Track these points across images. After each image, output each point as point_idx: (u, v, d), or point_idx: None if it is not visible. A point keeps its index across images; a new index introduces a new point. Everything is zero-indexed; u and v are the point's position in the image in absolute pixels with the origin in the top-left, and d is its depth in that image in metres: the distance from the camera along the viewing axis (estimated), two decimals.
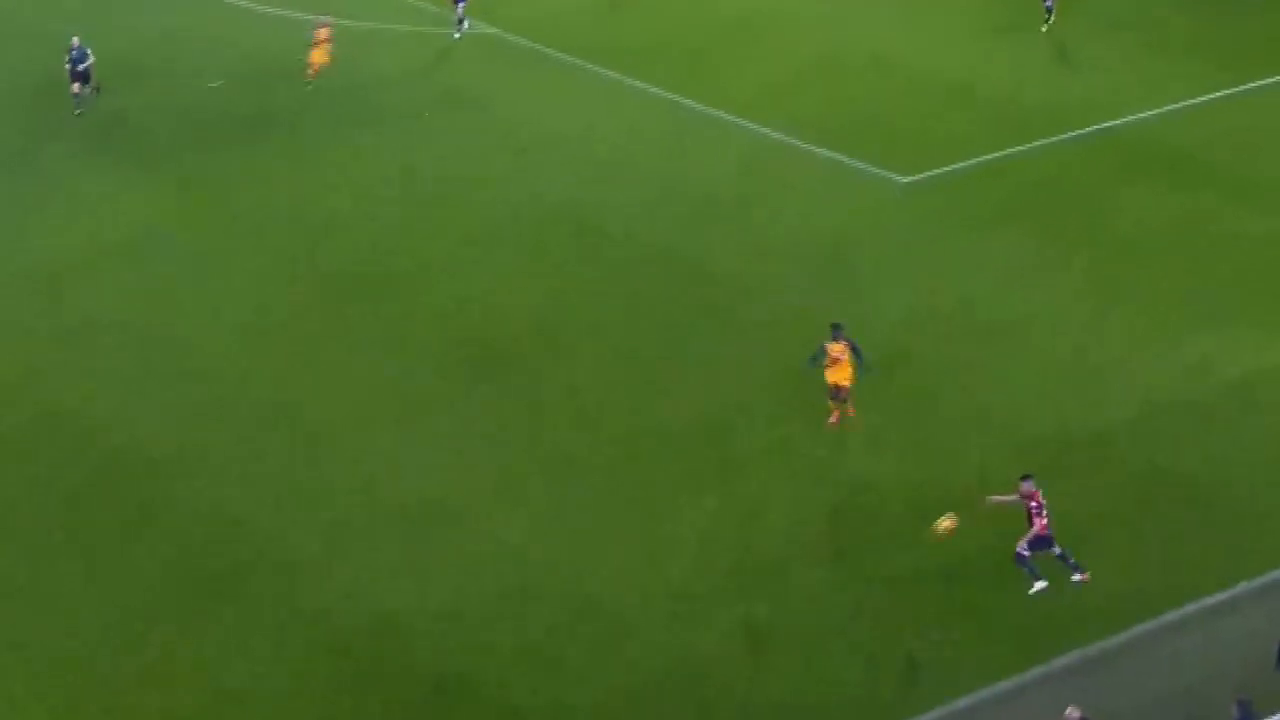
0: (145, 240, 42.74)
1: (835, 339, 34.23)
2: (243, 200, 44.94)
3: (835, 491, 32.90)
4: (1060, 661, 28.13)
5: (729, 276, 40.92)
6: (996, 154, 46.95)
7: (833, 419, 34.54)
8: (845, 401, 34.45)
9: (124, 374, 36.85)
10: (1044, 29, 55.11)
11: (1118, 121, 49.00)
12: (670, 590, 30.21)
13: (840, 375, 34.20)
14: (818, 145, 47.62)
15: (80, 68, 48.51)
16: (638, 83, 51.83)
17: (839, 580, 30.40)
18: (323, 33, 51.26)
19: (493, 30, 55.92)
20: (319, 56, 51.12)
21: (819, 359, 34.35)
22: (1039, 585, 29.64)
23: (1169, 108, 49.92)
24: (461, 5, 55.40)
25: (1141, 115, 49.32)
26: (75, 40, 48.48)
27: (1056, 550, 29.75)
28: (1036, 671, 27.95)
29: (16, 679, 28.09)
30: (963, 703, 27.38)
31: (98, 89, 48.72)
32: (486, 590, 30.15)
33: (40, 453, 34.06)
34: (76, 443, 34.34)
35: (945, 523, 29.63)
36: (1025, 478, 29.76)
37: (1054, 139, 47.92)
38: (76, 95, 48.51)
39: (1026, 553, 29.61)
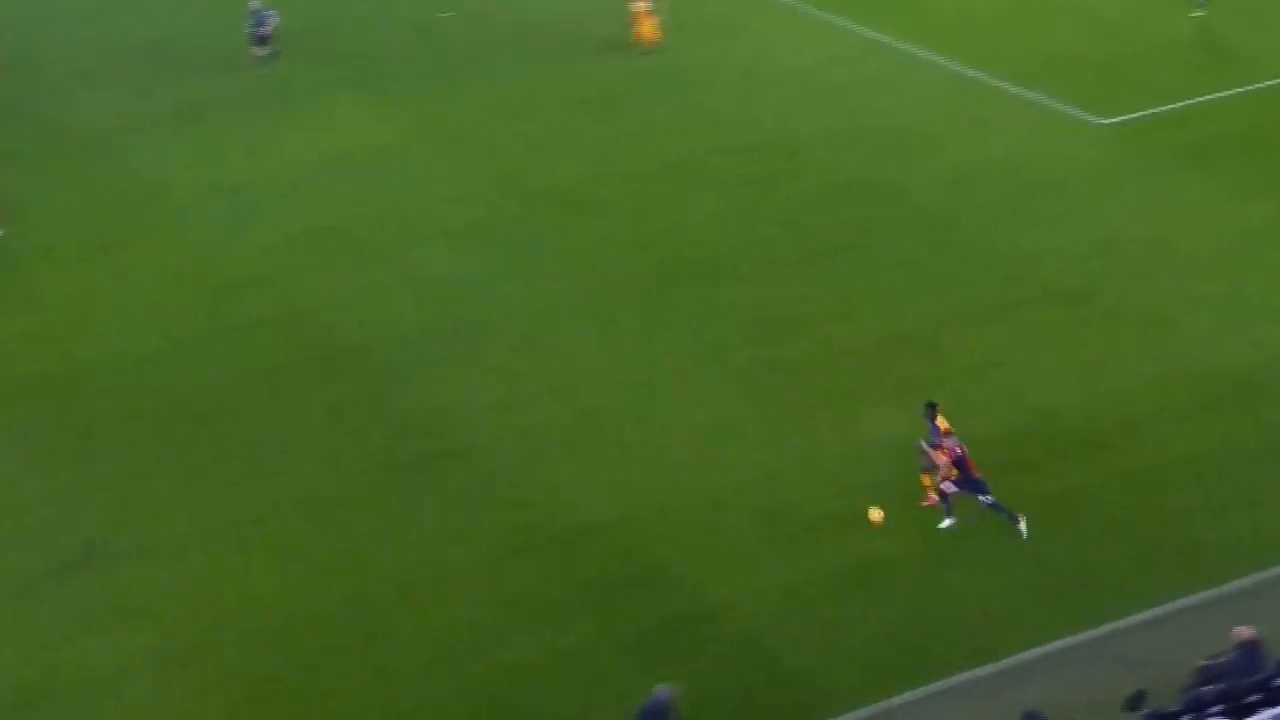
0: (378, 156, 45.10)
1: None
2: (469, 125, 47.14)
3: (1019, 415, 33.84)
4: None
5: (923, 205, 42.07)
6: (1193, 100, 47.27)
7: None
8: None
9: (352, 278, 39.21)
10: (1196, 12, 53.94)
11: None
12: (852, 498, 31.51)
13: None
14: (1014, 84, 48.48)
15: (260, 31, 48.79)
16: (840, 19, 53.18)
17: (1019, 491, 31.37)
18: (641, 5, 50.05)
19: None
20: (649, 33, 50.00)
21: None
22: (948, 522, 30.15)
23: None
24: None
25: None
26: (255, 4, 48.50)
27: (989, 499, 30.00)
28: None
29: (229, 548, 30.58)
30: (1135, 619, 28.20)
31: (277, 53, 48.60)
32: (682, 492, 31.74)
33: (276, 346, 36.49)
34: (307, 338, 36.82)
35: (874, 515, 29.77)
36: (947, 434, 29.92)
37: (1251, 87, 48.05)
38: (258, 58, 48.72)
39: (952, 489, 30.02)
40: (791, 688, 27.16)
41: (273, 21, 48.18)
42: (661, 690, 24.89)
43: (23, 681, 27.61)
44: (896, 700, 26.66)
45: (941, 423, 30.76)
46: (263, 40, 48.62)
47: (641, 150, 45.51)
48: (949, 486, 30.40)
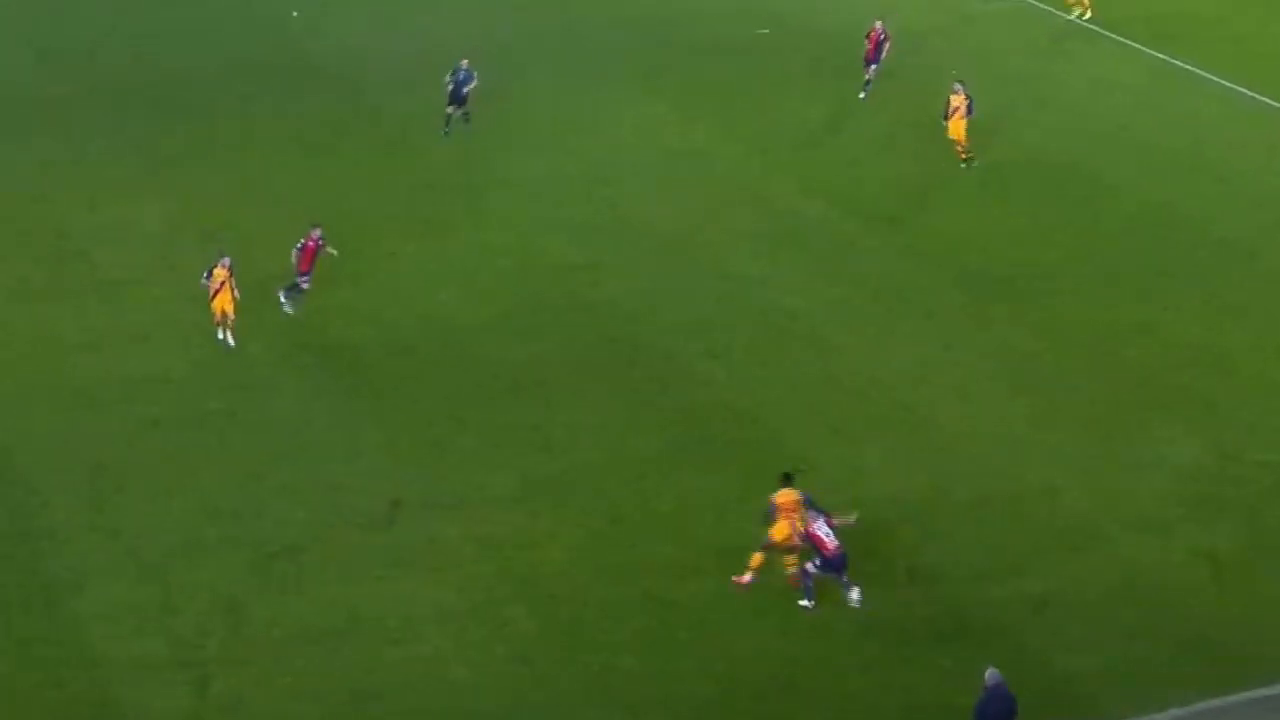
0: (673, 158, 46.34)
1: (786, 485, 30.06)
2: (750, 124, 48.19)
3: None
4: None
5: (1228, 236, 42.25)
6: None
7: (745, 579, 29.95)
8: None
9: (650, 270, 40.61)
10: None
11: None
12: (1139, 512, 31.97)
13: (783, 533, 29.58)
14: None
15: (464, 91, 46.05)
16: (1159, 54, 53.31)
17: None
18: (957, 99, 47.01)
19: None
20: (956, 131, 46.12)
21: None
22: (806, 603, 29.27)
23: None
24: None
25: None
26: (464, 63, 45.91)
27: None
28: None
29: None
30: None
31: (467, 116, 46.05)
32: (960, 482, 32.66)
33: (578, 334, 37.94)
34: (607, 327, 38.23)
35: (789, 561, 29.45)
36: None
37: None
38: (449, 116, 46.20)
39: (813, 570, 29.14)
40: None
41: (473, 84, 46.45)
42: (993, 673, 25.56)
43: (325, 620, 29.24)
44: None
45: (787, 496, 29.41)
46: (462, 101, 46.18)
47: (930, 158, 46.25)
48: (810, 568, 29.27)
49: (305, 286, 37.68)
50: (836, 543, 29.04)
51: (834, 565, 29.18)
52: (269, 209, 42.52)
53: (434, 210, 43.06)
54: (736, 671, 28.09)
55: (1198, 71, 51.58)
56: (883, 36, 48.07)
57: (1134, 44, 53.60)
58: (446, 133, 46.01)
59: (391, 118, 48.37)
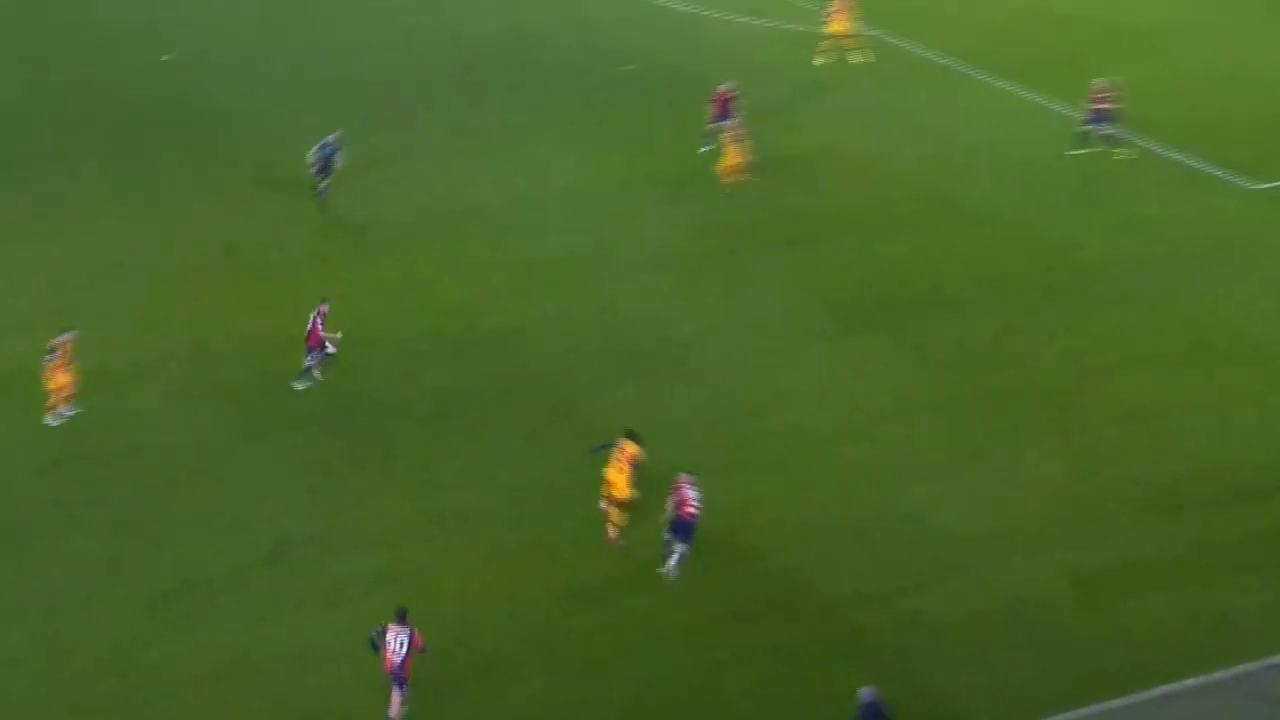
0: (557, 195, 46.92)
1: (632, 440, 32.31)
2: (644, 163, 48.86)
3: (1177, 462, 35.09)
4: None
5: (1087, 259, 43.24)
6: None
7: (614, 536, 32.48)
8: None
9: (541, 304, 41.16)
10: None
11: None
12: (1010, 531, 33.00)
13: (620, 481, 31.90)
14: (1172, 150, 49.36)
15: (331, 164, 44.83)
16: (1007, 85, 54.39)
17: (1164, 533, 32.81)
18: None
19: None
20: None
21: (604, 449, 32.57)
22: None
23: None
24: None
25: None
26: (333, 136, 44.94)
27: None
28: None
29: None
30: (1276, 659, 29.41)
31: (324, 191, 44.59)
32: (841, 506, 33.56)
33: (471, 368, 38.45)
34: (500, 361, 38.89)
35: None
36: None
37: None
38: (318, 186, 44.94)
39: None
40: None
41: (340, 156, 44.80)
42: (867, 691, 26.57)
43: (219, 659, 29.57)
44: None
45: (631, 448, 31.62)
46: (327, 172, 44.93)
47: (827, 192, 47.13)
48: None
49: (313, 364, 37.27)
50: (696, 510, 30.58)
51: (680, 527, 30.67)
52: (163, 250, 43.04)
53: (326, 249, 43.41)
54: (636, 697, 28.86)
55: (1049, 105, 52.89)
56: (730, 97, 47.72)
57: (995, 80, 55.09)
58: (322, 200, 45.02)
59: (282, 158, 48.45)
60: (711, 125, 47.78)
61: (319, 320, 36.80)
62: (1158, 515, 33.42)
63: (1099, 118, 48.78)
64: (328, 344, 36.93)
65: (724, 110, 47.62)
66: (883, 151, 49.33)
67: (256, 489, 33.81)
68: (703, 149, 48.19)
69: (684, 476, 31.44)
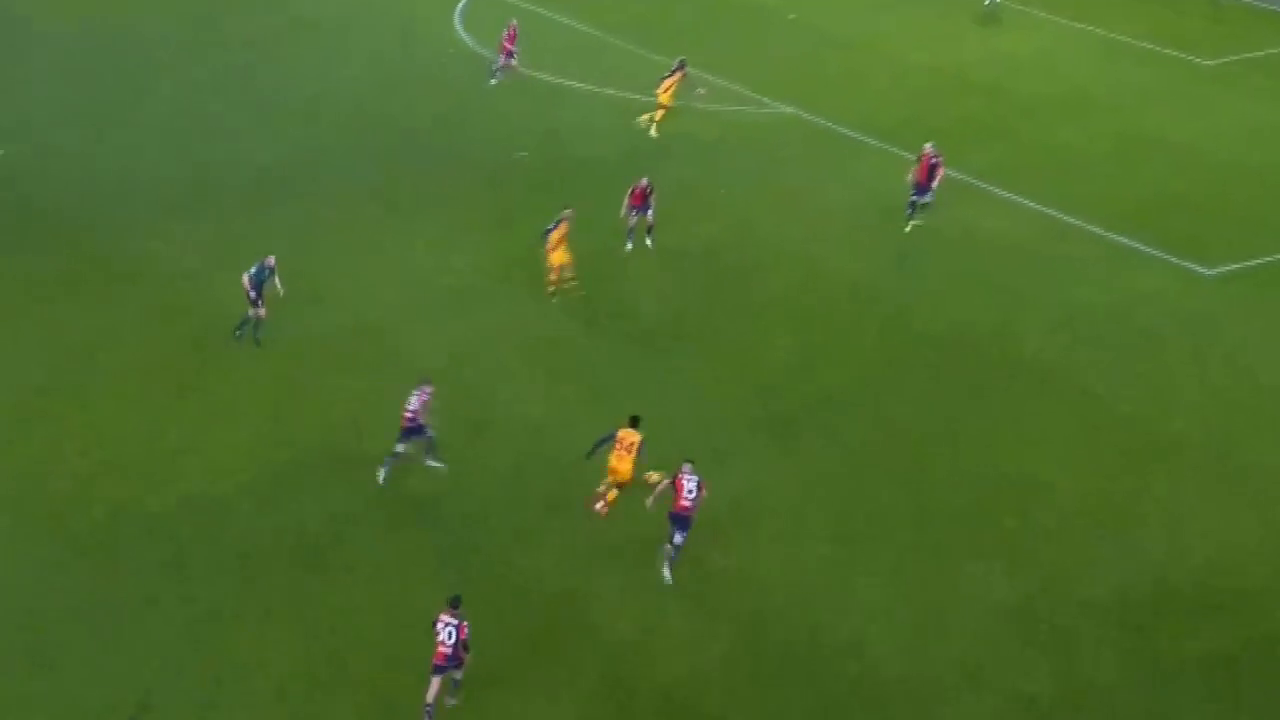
0: (435, 293, 44.30)
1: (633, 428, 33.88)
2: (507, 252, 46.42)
3: (1134, 576, 33.37)
4: None
5: (1019, 352, 41.58)
6: None
7: (600, 505, 34.12)
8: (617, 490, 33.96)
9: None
10: None
11: None
12: (952, 659, 30.97)
13: (624, 468, 33.56)
14: (1111, 230, 47.97)
15: (260, 285, 40.74)
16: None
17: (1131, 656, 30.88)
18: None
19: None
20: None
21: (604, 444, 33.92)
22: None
23: None
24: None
25: None
26: (271, 260, 40.99)
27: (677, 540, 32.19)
28: None
29: None
30: None
31: (258, 321, 40.95)
32: (765, 633, 31.27)
33: (343, 492, 35.54)
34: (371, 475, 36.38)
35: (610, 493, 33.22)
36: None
37: None
38: (249, 319, 41.10)
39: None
40: None
41: (278, 281, 41.59)
42: None
43: None
44: None
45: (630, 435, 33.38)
46: (257, 298, 41.00)
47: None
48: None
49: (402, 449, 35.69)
50: (692, 504, 31.98)
51: (678, 520, 32.13)
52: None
53: (193, 367, 40.64)
54: None
55: (972, 181, 51.30)
56: (648, 191, 46.02)
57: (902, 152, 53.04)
58: (239, 334, 41.60)
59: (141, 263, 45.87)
60: (630, 216, 46.17)
61: (422, 400, 35.52)
62: (1118, 636, 31.61)
63: (922, 188, 47.09)
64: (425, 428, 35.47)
65: (643, 202, 46.11)
66: (787, 235, 47.68)
67: (109, 646, 31.04)
68: (627, 245, 46.27)
69: (685, 466, 32.52)
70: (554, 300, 43.06)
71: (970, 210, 49.01)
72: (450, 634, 28.66)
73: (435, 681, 28.83)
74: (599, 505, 33.96)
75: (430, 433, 35.52)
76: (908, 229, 47.03)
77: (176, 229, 46.49)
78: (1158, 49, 62.82)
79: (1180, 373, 40.96)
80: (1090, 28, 64.83)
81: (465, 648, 28.82)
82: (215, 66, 59.42)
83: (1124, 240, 47.51)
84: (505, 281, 44.34)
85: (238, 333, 41.36)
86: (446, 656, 28.70)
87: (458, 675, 29.10)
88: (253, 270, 41.05)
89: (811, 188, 50.55)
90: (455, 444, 36.42)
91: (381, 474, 35.44)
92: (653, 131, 53.72)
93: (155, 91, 57.13)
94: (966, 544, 34.12)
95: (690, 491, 32.13)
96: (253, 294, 40.74)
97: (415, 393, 35.49)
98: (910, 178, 47.16)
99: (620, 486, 33.70)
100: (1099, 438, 37.95)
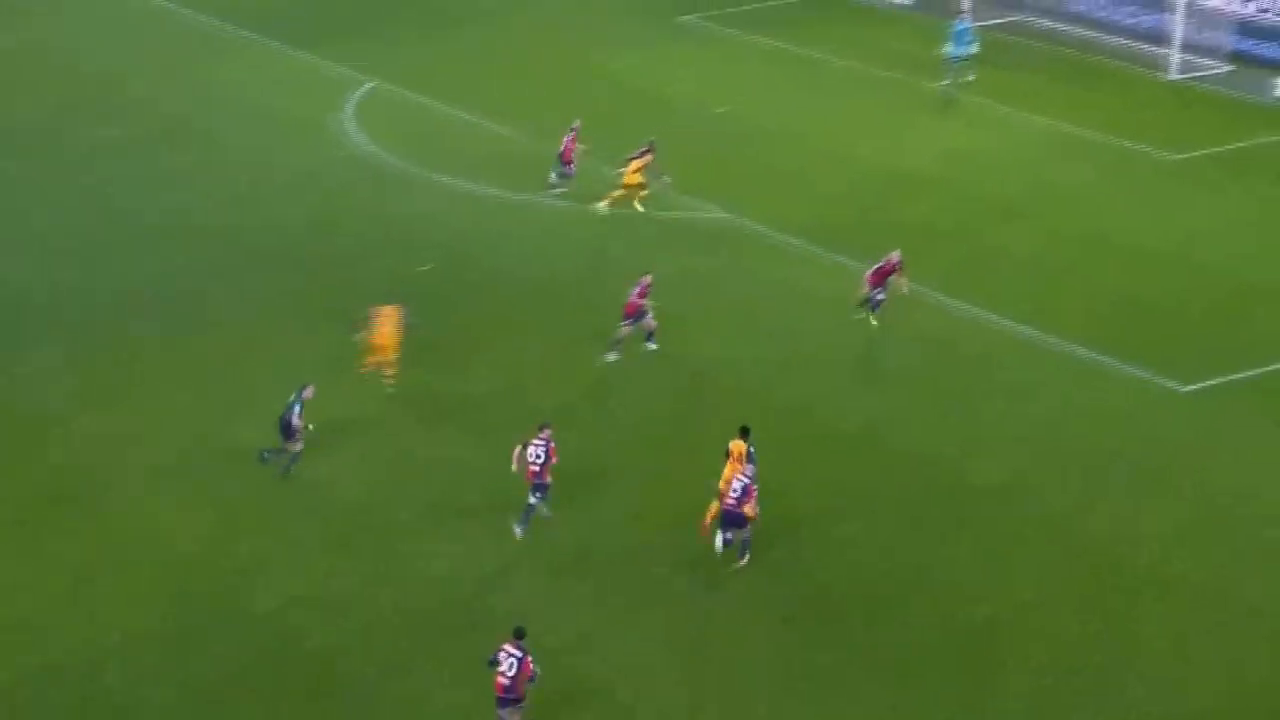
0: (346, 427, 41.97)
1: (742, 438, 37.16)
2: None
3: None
4: None
5: (990, 481, 39.86)
6: None
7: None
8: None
9: (310, 566, 36.42)
10: None
11: None
12: None
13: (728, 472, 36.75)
14: (1078, 343, 46.12)
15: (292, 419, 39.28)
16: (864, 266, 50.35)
17: None
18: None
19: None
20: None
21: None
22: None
23: None
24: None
25: None
26: (309, 390, 39.28)
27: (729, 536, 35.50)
28: None
29: None
30: None
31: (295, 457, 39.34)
32: None
33: (231, 650, 33.46)
34: (262, 637, 33.71)
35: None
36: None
37: None
38: (284, 452, 39.50)
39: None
40: None
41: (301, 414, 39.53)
42: None
43: None
44: None
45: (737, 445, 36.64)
46: (290, 433, 39.27)
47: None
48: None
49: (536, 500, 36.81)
50: (734, 503, 35.15)
51: (726, 518, 35.39)
52: None
53: (55, 517, 38.15)
54: None
55: (930, 290, 48.90)
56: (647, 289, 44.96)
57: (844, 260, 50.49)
58: (276, 466, 39.63)
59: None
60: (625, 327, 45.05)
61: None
62: None
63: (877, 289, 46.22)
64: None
65: (637, 313, 45.02)
66: (728, 353, 45.77)
67: None
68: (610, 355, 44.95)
69: (747, 466, 35.76)
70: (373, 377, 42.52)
71: (925, 320, 47.12)
72: (512, 665, 29.68)
73: (503, 715, 29.90)
74: (706, 524, 36.43)
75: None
76: (874, 322, 46.10)
77: (30, 361, 44.20)
78: (1119, 142, 61.04)
79: (1156, 500, 39.14)
80: (1047, 119, 62.99)
81: (530, 680, 29.80)
82: (73, 173, 57.30)
83: (1089, 353, 45.68)
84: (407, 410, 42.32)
85: (266, 455, 39.52)
86: (505, 688, 29.73)
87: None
88: (292, 403, 39.10)
89: (750, 299, 48.49)
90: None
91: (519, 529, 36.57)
92: (603, 206, 53.55)
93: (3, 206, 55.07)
94: (937, 687, 32.51)
95: (735, 490, 35.28)
96: (295, 424, 38.86)
97: (536, 439, 36.58)
98: (867, 277, 46.03)
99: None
100: (1071, 566, 36.47)
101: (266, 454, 39.45)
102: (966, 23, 67.41)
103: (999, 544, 37.25)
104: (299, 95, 65.20)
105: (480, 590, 35.23)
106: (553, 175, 55.73)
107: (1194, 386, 43.89)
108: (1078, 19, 72.68)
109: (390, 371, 42.66)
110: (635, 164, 53.94)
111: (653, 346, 44.71)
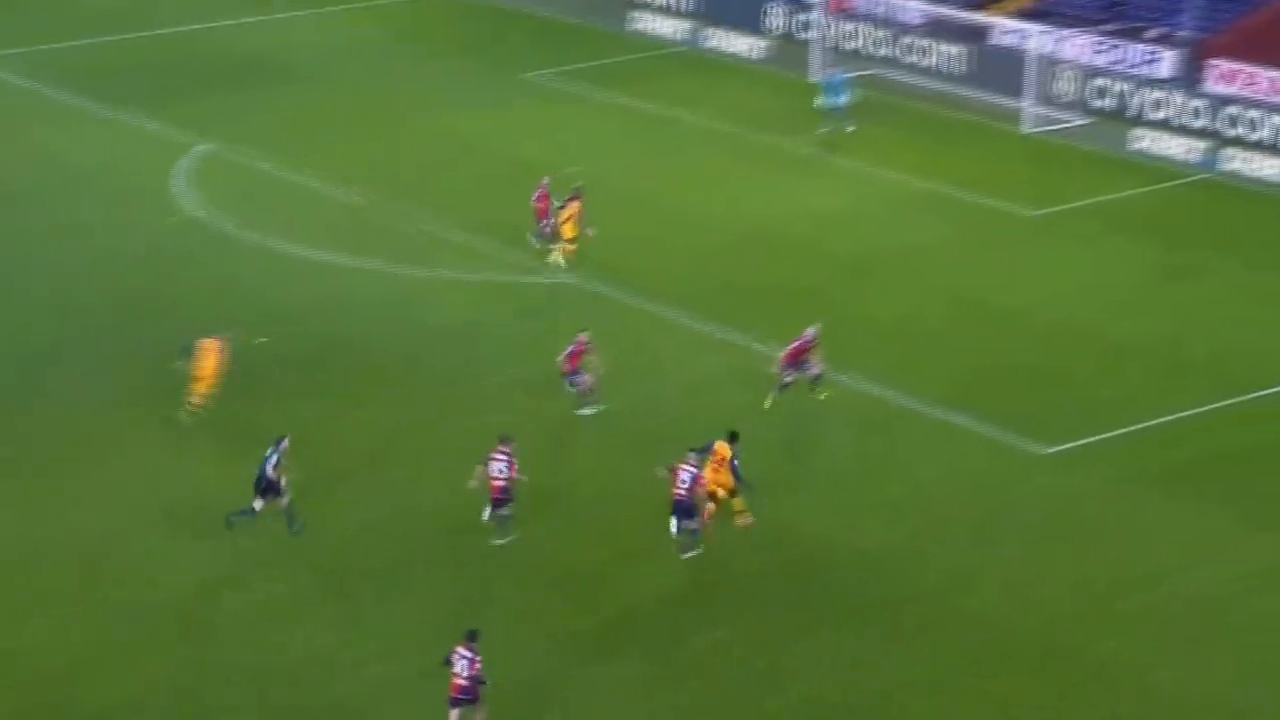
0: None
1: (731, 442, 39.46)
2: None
3: None
4: None
5: (868, 554, 39.81)
6: (1158, 420, 45.33)
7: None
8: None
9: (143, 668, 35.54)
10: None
11: None
12: None
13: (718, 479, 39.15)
14: (943, 408, 46.09)
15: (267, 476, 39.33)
16: (727, 332, 50.55)
17: None
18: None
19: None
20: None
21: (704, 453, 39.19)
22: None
23: None
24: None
25: None
26: (285, 442, 39.41)
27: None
28: None
29: None
30: None
31: (290, 516, 39.59)
32: None
33: None
34: None
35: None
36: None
37: (1231, 400, 46.44)
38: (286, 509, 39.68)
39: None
40: None
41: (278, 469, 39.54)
42: None
43: None
44: None
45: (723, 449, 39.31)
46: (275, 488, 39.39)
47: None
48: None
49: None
50: (685, 493, 37.93)
51: (677, 507, 38.09)
52: None
53: None
54: None
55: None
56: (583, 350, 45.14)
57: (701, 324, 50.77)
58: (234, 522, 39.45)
59: None
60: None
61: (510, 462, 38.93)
62: None
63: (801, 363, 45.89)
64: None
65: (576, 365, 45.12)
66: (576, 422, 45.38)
67: None
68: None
69: (689, 455, 38.47)
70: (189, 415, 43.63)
71: (790, 389, 46.54)
72: (464, 666, 31.88)
73: (454, 714, 32.04)
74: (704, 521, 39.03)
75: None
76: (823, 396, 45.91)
77: None
78: (976, 199, 61.28)
79: (1029, 567, 39.25)
80: (904, 176, 63.21)
81: (480, 681, 31.92)
82: None
83: (952, 417, 45.70)
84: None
85: (232, 519, 39.39)
86: (462, 689, 31.94)
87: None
88: (268, 456, 39.25)
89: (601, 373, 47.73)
90: None
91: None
92: (561, 260, 53.80)
93: None
94: None
95: (684, 480, 37.92)
96: (271, 475, 39.08)
97: (497, 453, 38.63)
98: (781, 358, 45.75)
99: (713, 498, 39.02)
100: (938, 645, 36.28)
101: (233, 517, 39.25)
102: (841, 74, 68.03)
103: (872, 617, 37.14)
104: (129, 160, 64.23)
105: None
106: (533, 240, 55.11)
107: (1057, 448, 44.04)
108: (932, 72, 73.42)
109: (198, 401, 43.62)
110: (565, 214, 53.67)
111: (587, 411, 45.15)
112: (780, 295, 52.50)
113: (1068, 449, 43.99)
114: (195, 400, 43.79)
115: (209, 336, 44.22)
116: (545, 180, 55.33)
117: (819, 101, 67.05)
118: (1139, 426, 44.98)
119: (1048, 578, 38.71)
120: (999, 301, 52.88)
